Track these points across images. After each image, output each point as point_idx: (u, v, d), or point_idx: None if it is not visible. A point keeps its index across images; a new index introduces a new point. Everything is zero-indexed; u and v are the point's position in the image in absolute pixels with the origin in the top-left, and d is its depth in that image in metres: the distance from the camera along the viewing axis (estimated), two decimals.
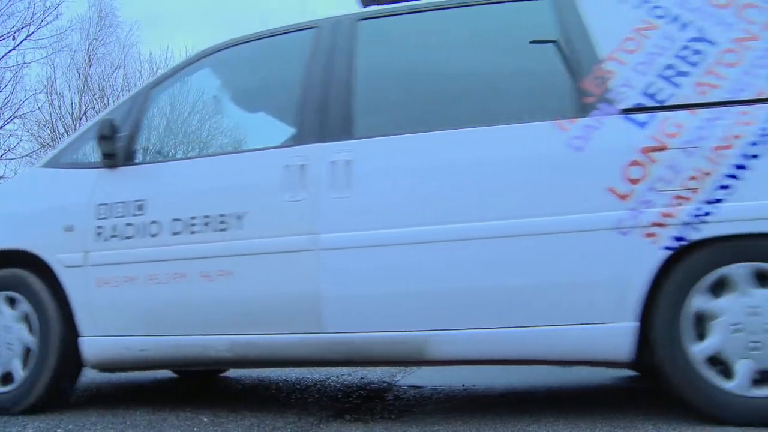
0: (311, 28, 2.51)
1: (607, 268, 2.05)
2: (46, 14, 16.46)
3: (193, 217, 2.33)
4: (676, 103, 2.12)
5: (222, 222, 2.29)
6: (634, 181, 2.05)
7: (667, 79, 2.16)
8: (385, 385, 3.34)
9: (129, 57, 18.26)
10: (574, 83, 2.20)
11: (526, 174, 2.15)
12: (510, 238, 2.10)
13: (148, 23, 29.41)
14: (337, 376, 3.66)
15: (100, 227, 2.43)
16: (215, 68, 2.84)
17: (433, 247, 2.15)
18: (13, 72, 16.41)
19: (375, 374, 3.62)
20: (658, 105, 2.13)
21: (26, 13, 16.08)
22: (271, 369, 3.79)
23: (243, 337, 2.29)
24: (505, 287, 2.11)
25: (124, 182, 2.47)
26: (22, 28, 16.17)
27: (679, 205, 2.02)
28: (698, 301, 2.03)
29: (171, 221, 2.35)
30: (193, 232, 2.32)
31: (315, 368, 3.65)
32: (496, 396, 2.93)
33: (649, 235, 2.02)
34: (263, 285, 2.25)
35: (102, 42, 18.36)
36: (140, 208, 2.40)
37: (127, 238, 2.40)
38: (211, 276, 2.29)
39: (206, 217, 2.31)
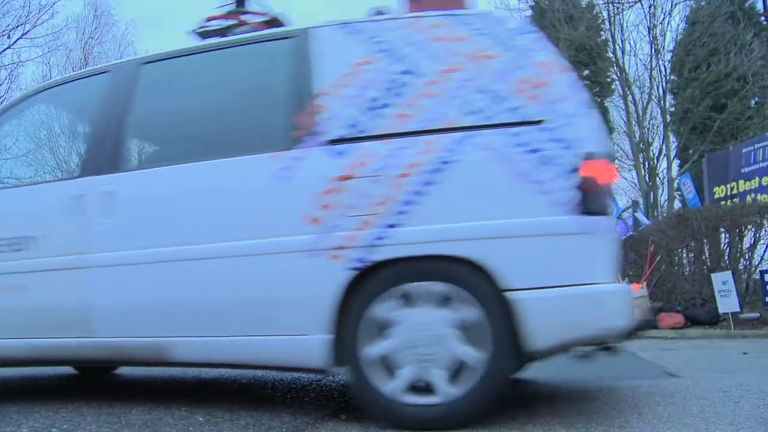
0: (107, 71, 2.88)
1: (302, 286, 2.29)
2: (42, 12, 16.45)
3: (0, 239, 2.71)
4: (374, 134, 2.32)
5: (19, 243, 2.68)
6: (326, 208, 2.28)
7: (372, 110, 2.35)
8: None
9: (125, 56, 18.19)
10: (290, 118, 2.43)
11: (242, 202, 2.42)
12: (227, 259, 2.39)
13: (144, 22, 29.35)
14: (333, 376, 3.66)
15: None
16: (41, 106, 3.26)
17: (166, 266, 2.47)
18: (9, 70, 16.40)
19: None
20: (358, 136, 2.33)
21: (21, 11, 16.05)
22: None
23: (38, 340, 2.65)
24: (223, 302, 2.40)
25: None
26: (17, 27, 16.14)
27: (362, 229, 2.23)
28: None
29: None
30: (0, 252, 2.71)
31: None
32: None
33: (334, 257, 2.24)
34: (49, 297, 2.63)
35: (98, 41, 18.39)
36: None
37: None
38: (13, 289, 2.67)
39: (9, 238, 2.70)
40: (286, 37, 2.59)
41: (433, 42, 2.39)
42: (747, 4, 17.46)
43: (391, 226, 2.19)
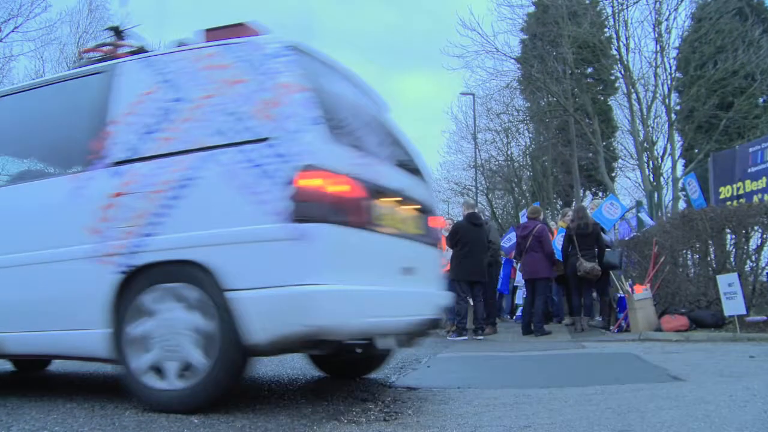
0: None
1: (85, 288, 2.69)
2: (35, 6, 16.37)
3: None
4: (145, 156, 2.69)
5: None
6: (104, 220, 2.68)
7: (147, 134, 2.72)
8: (380, 386, 3.31)
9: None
10: (87, 143, 2.84)
11: (48, 216, 2.86)
12: (33, 266, 2.82)
13: (139, 17, 29.22)
14: (331, 378, 3.63)
15: None
16: None
17: None
18: (0, 65, 16.33)
19: (370, 375, 3.58)
20: (132, 158, 2.71)
21: (13, 4, 15.96)
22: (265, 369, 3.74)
23: None
24: (32, 302, 2.83)
25: None
26: (9, 20, 16.08)
27: (126, 238, 2.62)
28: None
29: None
30: None
31: (309, 370, 3.62)
32: (491, 398, 2.90)
33: (107, 263, 2.64)
34: None
35: (92, 35, 18.18)
36: None
37: None
38: None
39: None
40: (99, 72, 2.95)
41: (204, 71, 2.70)
42: (755, 0, 17.34)
43: (147, 235, 2.57)
